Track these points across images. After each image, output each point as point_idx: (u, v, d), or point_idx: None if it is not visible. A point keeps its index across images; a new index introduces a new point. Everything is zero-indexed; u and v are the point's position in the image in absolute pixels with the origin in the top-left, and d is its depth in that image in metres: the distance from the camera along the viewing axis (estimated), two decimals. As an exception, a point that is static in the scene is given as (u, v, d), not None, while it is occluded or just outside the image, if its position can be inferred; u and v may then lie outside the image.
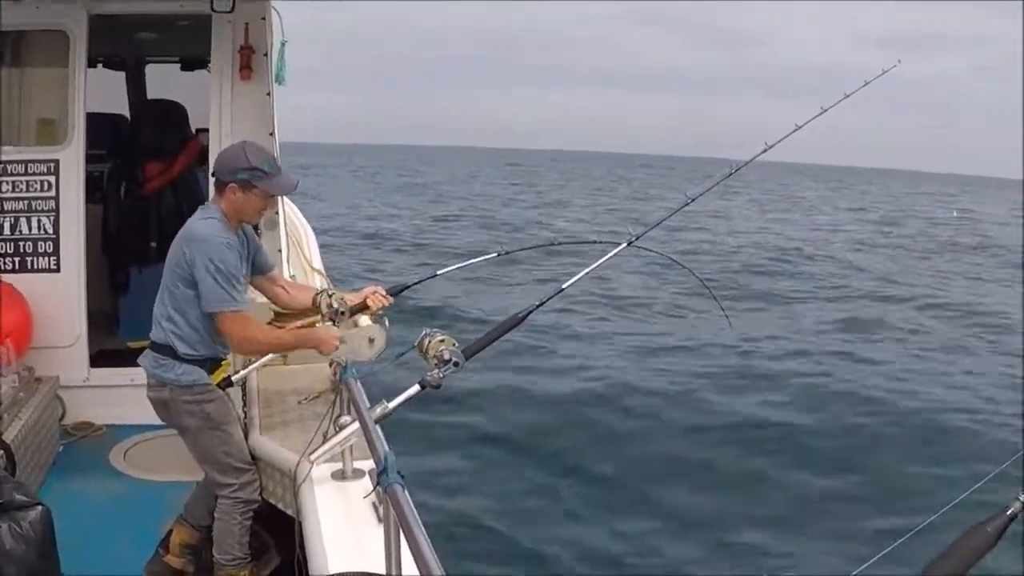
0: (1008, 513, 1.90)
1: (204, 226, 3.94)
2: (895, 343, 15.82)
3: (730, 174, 4.86)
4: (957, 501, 2.57)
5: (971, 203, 69.72)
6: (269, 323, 4.72)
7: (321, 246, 7.80)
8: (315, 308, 4.33)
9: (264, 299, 4.50)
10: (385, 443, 3.11)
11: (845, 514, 8.17)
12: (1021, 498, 1.90)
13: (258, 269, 4.29)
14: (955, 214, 48.01)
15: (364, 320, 4.35)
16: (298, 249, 6.03)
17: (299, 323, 4.47)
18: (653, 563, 7.39)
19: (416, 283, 4.74)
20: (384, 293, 4.33)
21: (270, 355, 4.49)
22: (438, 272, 4.90)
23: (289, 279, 4.94)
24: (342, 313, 4.22)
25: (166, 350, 3.99)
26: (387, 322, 4.24)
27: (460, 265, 5.17)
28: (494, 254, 5.16)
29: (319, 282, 5.95)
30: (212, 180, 4.10)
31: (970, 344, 16.10)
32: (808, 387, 12.31)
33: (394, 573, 2.61)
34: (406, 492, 2.60)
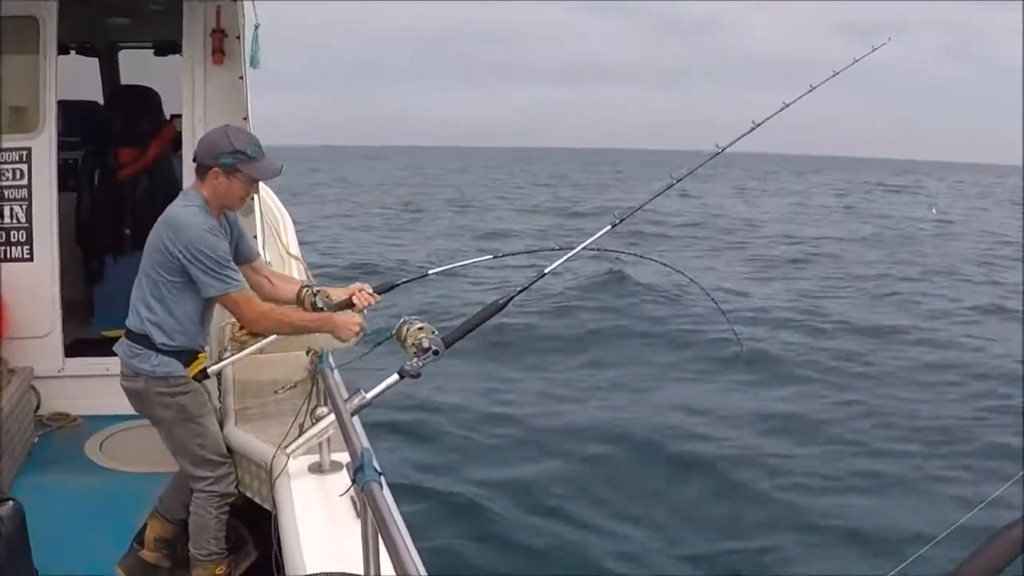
0: None
1: (185, 214, 3.83)
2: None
3: (716, 154, 4.76)
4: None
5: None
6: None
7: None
8: (299, 302, 4.21)
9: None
10: (363, 435, 3.02)
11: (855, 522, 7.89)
12: None
13: (242, 257, 4.15)
14: (934, 212, 44.82)
15: None
16: (275, 235, 5.94)
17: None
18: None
19: (406, 282, 4.56)
20: (371, 291, 4.19)
21: (250, 349, 4.41)
22: (429, 272, 4.74)
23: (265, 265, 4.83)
24: (320, 309, 4.09)
25: (142, 339, 3.90)
26: (365, 311, 4.14)
27: (453, 266, 5.04)
28: (489, 256, 5.10)
29: (296, 268, 5.86)
30: (194, 165, 3.98)
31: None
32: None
33: (372, 574, 2.52)
34: (384, 489, 2.51)
